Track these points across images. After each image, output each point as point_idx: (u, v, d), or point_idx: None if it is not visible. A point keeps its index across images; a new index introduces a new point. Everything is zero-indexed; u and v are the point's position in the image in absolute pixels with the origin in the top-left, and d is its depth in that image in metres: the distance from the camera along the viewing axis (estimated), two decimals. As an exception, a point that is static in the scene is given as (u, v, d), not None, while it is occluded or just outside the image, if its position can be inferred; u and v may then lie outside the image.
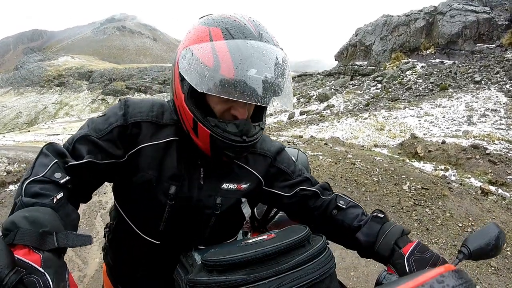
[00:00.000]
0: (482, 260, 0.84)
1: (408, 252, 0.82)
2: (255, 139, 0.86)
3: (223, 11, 0.84)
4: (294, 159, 1.11)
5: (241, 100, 0.74)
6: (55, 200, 0.71)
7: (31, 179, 0.73)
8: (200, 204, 0.93)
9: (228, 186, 0.95)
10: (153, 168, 0.89)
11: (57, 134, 26.47)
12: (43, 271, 0.55)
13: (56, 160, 0.78)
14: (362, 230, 0.94)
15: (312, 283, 0.65)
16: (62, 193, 0.73)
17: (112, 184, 1.03)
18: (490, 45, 21.04)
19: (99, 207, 4.87)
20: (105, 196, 5.37)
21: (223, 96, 0.74)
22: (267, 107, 0.88)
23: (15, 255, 0.55)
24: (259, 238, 0.80)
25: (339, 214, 0.99)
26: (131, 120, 0.88)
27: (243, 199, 0.99)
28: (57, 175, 0.75)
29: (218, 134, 0.80)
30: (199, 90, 0.75)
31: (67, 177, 0.76)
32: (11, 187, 5.48)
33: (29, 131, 32.07)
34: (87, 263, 3.35)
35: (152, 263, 1.02)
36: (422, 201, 4.58)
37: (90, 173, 0.85)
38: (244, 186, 0.98)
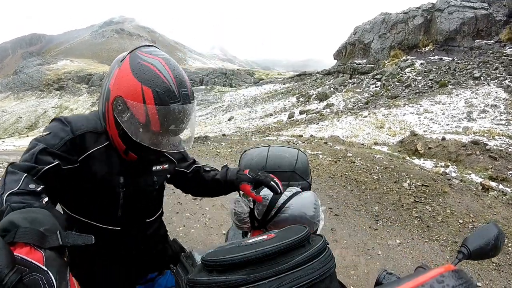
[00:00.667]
0: (482, 260, 0.85)
1: (249, 171, 1.35)
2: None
3: (146, 54, 1.01)
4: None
5: (163, 150, 1.04)
6: (44, 202, 0.78)
7: (7, 193, 0.77)
8: (143, 184, 1.19)
9: (157, 168, 1.23)
10: (102, 166, 1.09)
11: (58, 138, 26.52)
12: (46, 269, 0.55)
13: (25, 174, 0.85)
14: (219, 174, 1.45)
15: (312, 283, 0.65)
16: (47, 197, 0.81)
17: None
18: (489, 41, 21.05)
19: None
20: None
21: (151, 147, 1.00)
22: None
23: (17, 254, 0.55)
24: (259, 238, 0.80)
25: (209, 174, 1.47)
26: (78, 133, 1.04)
27: (168, 176, 1.35)
28: (32, 186, 0.81)
29: (139, 156, 1.11)
30: (134, 139, 0.98)
31: (42, 186, 0.84)
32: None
33: (28, 135, 32.05)
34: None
35: (113, 250, 1.19)
36: (423, 198, 4.58)
37: (56, 178, 0.96)
38: (165, 166, 1.28)
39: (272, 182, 1.31)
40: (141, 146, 1.01)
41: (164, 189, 1.37)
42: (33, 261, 0.55)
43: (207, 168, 1.49)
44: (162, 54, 1.03)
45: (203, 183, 1.47)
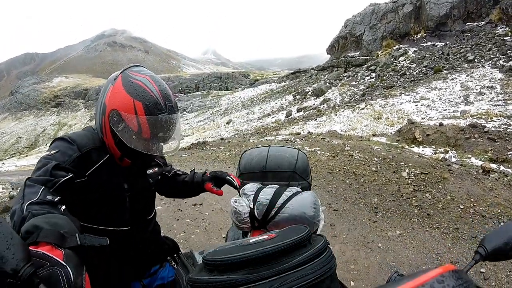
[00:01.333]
0: (500, 261, 0.80)
1: (210, 171, 1.58)
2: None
3: (135, 73, 1.18)
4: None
5: (154, 154, 1.21)
6: (62, 209, 0.91)
7: (27, 202, 0.87)
8: (142, 186, 1.38)
9: (150, 171, 1.43)
10: (108, 177, 1.23)
11: (58, 155, 26.56)
12: (65, 264, 0.62)
13: (43, 186, 0.95)
14: (187, 177, 1.62)
15: (312, 283, 0.64)
16: (64, 206, 0.93)
17: None
18: (480, 23, 20.97)
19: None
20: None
21: (143, 152, 1.16)
22: None
23: (40, 250, 0.63)
24: (259, 238, 0.79)
25: (180, 177, 1.64)
26: (84, 150, 1.17)
27: (159, 177, 1.53)
28: (49, 197, 0.92)
29: (133, 161, 1.29)
30: (129, 146, 1.14)
31: (58, 197, 0.94)
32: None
33: (26, 155, 32.07)
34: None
35: (125, 248, 1.32)
36: (422, 186, 4.53)
37: (68, 191, 1.06)
38: (156, 169, 1.47)
39: (227, 177, 1.51)
40: (135, 152, 1.17)
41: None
42: (54, 256, 0.63)
43: (179, 172, 1.66)
44: (149, 73, 1.21)
45: (175, 185, 1.63)
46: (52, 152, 1.12)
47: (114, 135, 1.17)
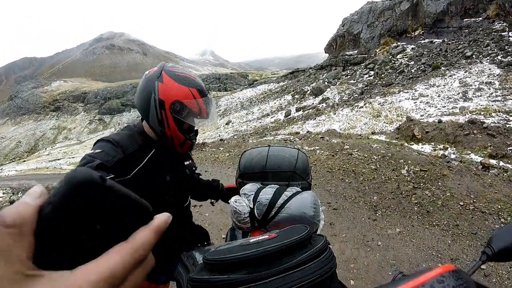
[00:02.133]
0: (508, 261, 0.78)
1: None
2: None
3: (175, 68, 1.33)
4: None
5: (212, 126, 1.49)
6: None
7: None
8: (181, 177, 1.51)
9: (186, 163, 1.55)
10: (153, 173, 1.32)
11: (58, 159, 26.56)
12: None
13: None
14: (214, 182, 1.86)
15: (312, 283, 0.64)
16: None
17: None
18: (477, 19, 20.99)
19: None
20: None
21: (207, 127, 1.44)
22: None
23: None
24: (260, 238, 0.79)
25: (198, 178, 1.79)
26: (128, 151, 1.24)
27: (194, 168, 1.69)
28: None
29: (188, 138, 1.39)
30: (195, 127, 1.37)
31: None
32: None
33: (24, 161, 32.00)
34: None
35: (174, 233, 1.47)
36: (422, 184, 4.52)
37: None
38: (190, 162, 1.60)
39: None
40: (194, 132, 1.39)
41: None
42: None
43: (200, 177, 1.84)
44: (181, 66, 1.39)
45: (194, 183, 1.76)
46: (97, 151, 1.18)
47: (178, 122, 1.30)
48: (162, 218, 0.30)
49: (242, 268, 0.65)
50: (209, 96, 1.37)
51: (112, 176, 1.13)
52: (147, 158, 1.30)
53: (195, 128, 1.38)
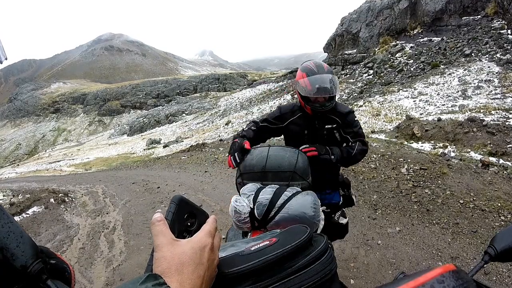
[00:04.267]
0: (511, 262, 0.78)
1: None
2: (328, 107, 2.00)
3: (307, 62, 2.09)
4: (356, 118, 2.17)
5: (314, 96, 1.96)
6: (253, 128, 2.18)
7: (243, 129, 2.20)
8: (317, 134, 2.09)
9: (328, 126, 2.08)
10: (296, 127, 2.14)
11: (58, 161, 26.55)
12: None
13: (253, 122, 2.25)
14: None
15: (313, 285, 0.65)
16: (256, 128, 2.20)
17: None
18: (476, 17, 20.98)
19: (102, 227, 4.87)
20: (107, 216, 5.37)
21: (310, 96, 1.98)
22: (333, 96, 2.01)
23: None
24: (261, 245, 0.78)
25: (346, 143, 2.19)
26: (283, 111, 2.20)
27: (335, 131, 2.11)
28: (252, 126, 2.21)
29: (312, 107, 2.02)
30: (304, 95, 1.99)
31: (256, 127, 2.20)
32: (16, 218, 5.49)
33: (18, 165, 31.87)
34: (93, 282, 3.33)
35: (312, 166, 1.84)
36: (421, 182, 4.52)
37: (265, 131, 2.23)
38: (334, 125, 2.08)
39: None
40: (311, 102, 2.00)
41: (333, 139, 2.12)
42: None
43: (352, 145, 2.13)
44: (313, 59, 2.16)
45: (335, 142, 2.17)
46: (274, 109, 2.26)
47: (299, 95, 2.04)
48: (214, 216, 0.62)
49: (246, 280, 0.65)
50: (317, 76, 1.94)
51: (265, 125, 2.19)
52: (295, 117, 2.13)
53: (303, 95, 1.98)
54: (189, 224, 0.68)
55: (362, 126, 2.18)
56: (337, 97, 2.06)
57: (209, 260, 0.52)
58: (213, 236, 0.56)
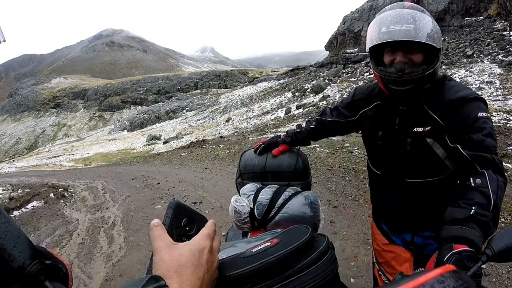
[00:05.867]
0: (509, 262, 0.79)
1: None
2: (413, 75, 1.14)
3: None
4: (484, 114, 1.14)
5: (379, 42, 1.14)
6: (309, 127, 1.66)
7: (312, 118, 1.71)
8: (395, 140, 1.31)
9: (418, 129, 1.23)
10: (369, 122, 1.42)
11: (58, 156, 26.54)
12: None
13: (319, 115, 1.66)
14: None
15: (315, 286, 0.65)
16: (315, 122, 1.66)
17: None
18: (478, 18, 20.92)
19: (102, 222, 4.88)
20: (107, 211, 5.38)
21: (374, 43, 1.17)
22: (419, 43, 1.13)
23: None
24: (262, 246, 0.78)
25: (462, 189, 1.07)
26: (355, 98, 1.50)
27: (429, 140, 1.23)
28: (313, 121, 1.68)
29: (381, 74, 1.20)
30: (368, 47, 1.23)
31: (313, 127, 1.67)
32: (15, 213, 5.50)
33: (13, 160, 31.82)
34: (92, 278, 3.34)
35: (388, 192, 1.44)
36: (422, 182, 4.53)
37: (334, 128, 1.62)
38: (427, 128, 1.21)
39: None
40: (384, 69, 1.21)
41: (427, 154, 1.25)
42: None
43: (477, 181, 1.06)
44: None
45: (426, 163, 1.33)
46: (348, 95, 1.59)
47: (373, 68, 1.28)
48: (213, 220, 0.61)
49: (248, 282, 0.65)
50: (388, 11, 1.21)
51: (333, 119, 1.58)
52: (368, 108, 1.42)
53: (368, 52, 1.27)
54: (187, 229, 0.68)
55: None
56: (440, 58, 1.20)
57: (208, 262, 0.52)
58: (211, 238, 0.56)
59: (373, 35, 1.18)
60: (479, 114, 1.11)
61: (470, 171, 1.07)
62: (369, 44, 1.21)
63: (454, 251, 0.84)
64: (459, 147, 1.11)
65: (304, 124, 1.69)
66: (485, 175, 1.02)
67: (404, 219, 1.42)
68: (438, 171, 1.27)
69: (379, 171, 1.45)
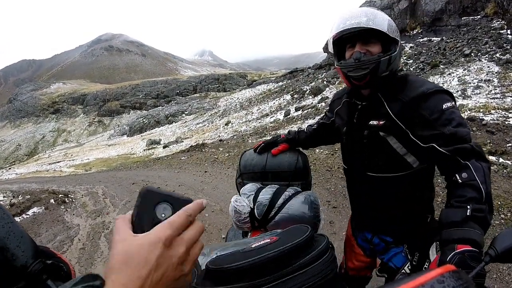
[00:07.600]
0: None
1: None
2: (369, 61, 1.17)
3: None
4: (449, 104, 1.13)
5: (336, 33, 1.25)
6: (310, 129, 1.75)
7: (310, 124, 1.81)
8: (356, 135, 1.33)
9: (373, 122, 1.24)
10: (339, 120, 1.48)
11: (58, 162, 26.54)
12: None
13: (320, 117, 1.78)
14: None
15: (314, 285, 0.65)
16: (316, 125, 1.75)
17: None
18: (476, 17, 20.99)
19: (103, 227, 4.87)
20: (108, 216, 5.38)
21: (333, 38, 1.30)
22: (370, 30, 1.16)
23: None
24: (262, 242, 0.79)
25: (451, 187, 1.07)
26: (332, 99, 1.61)
27: (382, 133, 1.23)
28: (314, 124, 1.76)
29: (341, 65, 1.27)
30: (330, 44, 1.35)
31: (318, 124, 1.75)
32: (16, 219, 5.48)
33: (10, 168, 31.78)
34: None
35: (355, 187, 1.48)
36: (422, 181, 4.53)
37: (325, 129, 1.69)
38: (381, 122, 1.22)
39: None
40: (343, 61, 1.28)
41: (385, 148, 1.24)
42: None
43: (463, 175, 1.05)
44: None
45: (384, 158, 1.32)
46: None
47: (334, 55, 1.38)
48: (199, 200, 0.48)
49: (246, 276, 0.65)
50: (343, 13, 1.26)
51: (324, 115, 1.74)
52: (338, 107, 1.50)
53: (329, 46, 1.36)
54: (163, 215, 0.65)
55: None
56: (398, 51, 1.22)
57: (160, 258, 0.42)
58: (177, 227, 0.44)
59: (333, 32, 1.26)
60: (444, 106, 1.11)
61: (452, 166, 1.06)
62: (330, 42, 1.32)
63: (457, 251, 0.85)
64: (435, 145, 1.09)
65: (304, 127, 1.80)
66: (470, 167, 1.02)
67: (367, 214, 1.43)
68: (397, 167, 1.25)
69: (346, 165, 1.49)
